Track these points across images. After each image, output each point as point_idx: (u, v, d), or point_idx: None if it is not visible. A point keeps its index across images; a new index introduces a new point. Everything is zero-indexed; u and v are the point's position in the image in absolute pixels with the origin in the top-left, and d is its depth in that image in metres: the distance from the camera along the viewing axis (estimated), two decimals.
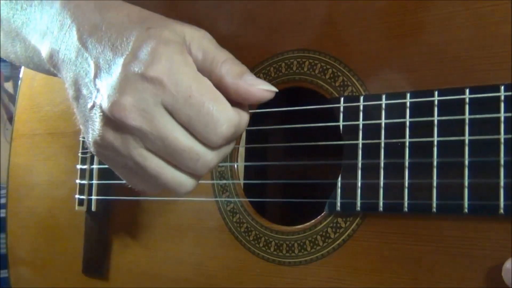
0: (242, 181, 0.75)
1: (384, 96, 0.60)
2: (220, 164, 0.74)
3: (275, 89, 0.55)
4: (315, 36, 0.68)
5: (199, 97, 0.51)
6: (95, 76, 0.53)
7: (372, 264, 0.61)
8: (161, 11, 0.83)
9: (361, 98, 0.62)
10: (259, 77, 0.71)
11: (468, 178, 0.54)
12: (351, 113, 0.62)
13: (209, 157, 0.54)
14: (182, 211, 0.79)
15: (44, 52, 0.60)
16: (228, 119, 0.52)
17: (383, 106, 0.60)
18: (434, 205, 0.56)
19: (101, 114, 0.53)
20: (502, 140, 0.53)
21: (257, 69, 0.72)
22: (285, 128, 0.72)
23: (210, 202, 0.75)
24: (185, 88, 0.51)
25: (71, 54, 0.56)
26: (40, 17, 0.61)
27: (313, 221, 0.66)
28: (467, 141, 0.55)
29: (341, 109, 0.63)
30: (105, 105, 0.52)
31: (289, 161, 0.85)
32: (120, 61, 0.52)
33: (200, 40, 0.54)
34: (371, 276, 0.61)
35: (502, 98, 0.53)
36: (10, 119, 1.43)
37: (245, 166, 0.76)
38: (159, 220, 0.81)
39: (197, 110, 0.51)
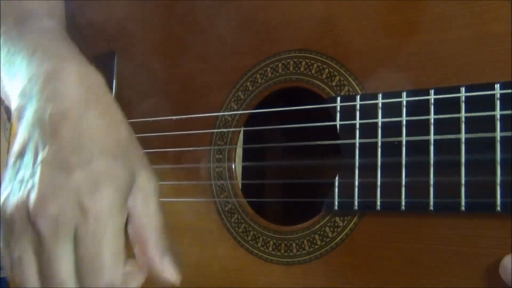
0: (240, 181, 0.75)
1: (380, 95, 0.60)
2: (218, 165, 0.75)
3: (177, 282, 0.55)
4: (311, 36, 0.68)
5: (106, 247, 0.51)
6: (42, 160, 0.52)
7: (370, 263, 0.61)
8: (161, 11, 0.84)
9: (358, 97, 0.62)
10: (255, 78, 0.72)
11: (465, 176, 0.54)
12: (347, 113, 0.63)
13: None
14: (180, 212, 0.79)
15: (14, 106, 0.60)
16: (111, 281, 0.52)
17: (380, 105, 0.60)
18: (431, 203, 0.56)
19: (24, 196, 0.52)
20: (498, 138, 0.53)
21: (254, 69, 0.72)
22: (282, 128, 0.72)
23: (208, 202, 0.75)
24: (101, 234, 0.51)
25: (32, 125, 0.55)
26: (24, 70, 0.61)
27: (311, 220, 0.66)
28: (463, 139, 0.55)
29: (338, 108, 0.63)
30: (32, 200, 0.51)
31: (286, 161, 0.85)
32: (71, 166, 0.52)
33: (146, 194, 0.55)
34: (369, 275, 0.61)
35: (498, 96, 0.53)
36: (10, 119, 1.43)
37: (243, 166, 0.76)
38: None
39: (95, 255, 0.51)
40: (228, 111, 0.74)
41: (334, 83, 0.65)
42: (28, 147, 0.54)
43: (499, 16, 0.56)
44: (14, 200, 0.52)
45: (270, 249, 0.69)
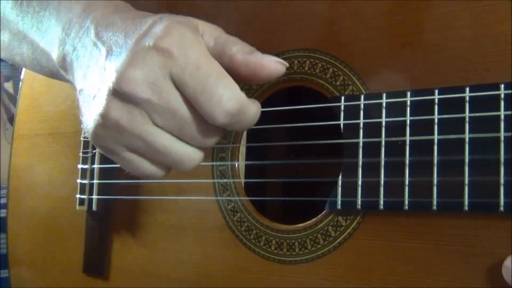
0: (243, 180, 0.75)
1: (384, 95, 0.61)
2: (221, 163, 0.75)
3: (286, 63, 0.55)
4: (315, 35, 0.68)
5: (206, 71, 0.52)
6: (106, 60, 0.54)
7: (373, 263, 0.61)
8: (162, 11, 0.84)
9: (362, 97, 0.62)
10: None
11: (468, 176, 0.54)
12: (351, 112, 0.63)
13: (215, 130, 0.54)
14: (182, 210, 0.79)
15: (56, 54, 0.60)
16: (232, 97, 0.52)
17: (384, 104, 0.60)
18: (435, 203, 0.56)
19: (108, 90, 0.53)
20: (502, 138, 0.53)
21: None
22: (286, 127, 0.72)
23: (210, 201, 0.75)
24: (193, 62, 0.51)
25: (85, 51, 0.57)
26: (55, 20, 0.61)
27: (313, 219, 0.66)
28: (467, 139, 0.55)
29: (342, 108, 0.63)
30: (113, 79, 0.52)
31: (290, 160, 0.85)
32: (131, 41, 0.53)
33: (212, 31, 0.56)
34: (372, 274, 0.61)
35: (502, 96, 0.54)
36: (10, 119, 1.43)
37: (246, 165, 0.76)
38: (159, 219, 0.81)
39: (203, 84, 0.51)
40: None
41: (338, 83, 0.65)
42: (90, 72, 0.56)
43: (503, 16, 0.56)
44: (104, 102, 0.53)
45: (273, 248, 0.69)
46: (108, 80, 0.52)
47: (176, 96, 0.52)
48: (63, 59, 0.59)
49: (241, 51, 0.55)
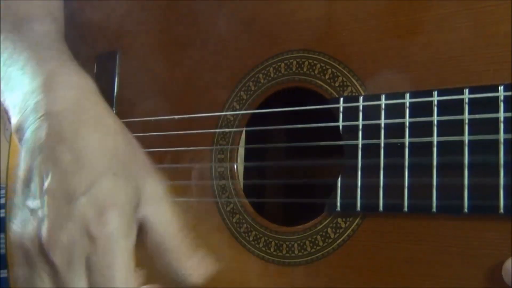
0: (241, 182, 0.75)
1: (383, 96, 0.60)
2: (220, 165, 0.74)
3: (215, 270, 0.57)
4: (314, 36, 0.68)
5: (114, 274, 0.51)
6: (47, 189, 0.53)
7: (372, 264, 0.61)
8: (161, 12, 0.83)
9: (361, 98, 0.62)
10: (258, 77, 0.72)
11: (468, 178, 0.54)
12: (350, 113, 0.62)
13: None
14: (181, 212, 0.78)
15: (13, 124, 0.60)
16: None
17: (383, 106, 0.60)
18: (434, 205, 0.56)
19: (35, 227, 0.52)
20: (502, 140, 0.53)
21: (257, 69, 0.72)
22: (284, 129, 0.72)
23: (209, 202, 0.75)
24: (109, 262, 0.51)
25: (33, 150, 0.56)
26: (19, 86, 0.61)
27: (313, 221, 0.66)
28: (466, 141, 0.55)
29: (341, 109, 0.63)
30: (44, 232, 0.52)
31: (289, 162, 0.85)
32: (74, 193, 0.52)
33: (154, 205, 0.55)
34: (371, 276, 0.61)
35: (502, 98, 0.53)
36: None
37: (245, 166, 0.76)
38: None
39: (107, 281, 0.51)
40: (230, 111, 0.74)
41: (337, 84, 0.65)
42: (33, 175, 0.55)
43: (502, 17, 0.56)
44: (28, 231, 0.53)
45: (272, 249, 0.69)
46: (39, 220, 0.52)
47: (80, 276, 0.52)
48: (18, 131, 0.59)
49: (180, 257, 0.55)
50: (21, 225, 0.54)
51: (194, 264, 0.56)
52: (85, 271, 0.52)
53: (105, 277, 0.51)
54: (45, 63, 0.62)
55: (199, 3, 0.78)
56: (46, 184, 0.53)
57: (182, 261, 0.55)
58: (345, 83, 0.64)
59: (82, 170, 0.53)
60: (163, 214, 0.56)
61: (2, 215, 1.09)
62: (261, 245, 0.70)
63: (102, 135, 0.56)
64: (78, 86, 0.60)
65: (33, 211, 0.53)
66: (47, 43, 0.67)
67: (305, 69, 0.68)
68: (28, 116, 0.58)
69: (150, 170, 0.57)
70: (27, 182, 0.55)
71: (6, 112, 0.65)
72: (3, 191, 1.11)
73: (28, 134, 0.57)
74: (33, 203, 0.54)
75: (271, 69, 0.71)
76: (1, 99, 0.65)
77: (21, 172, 0.56)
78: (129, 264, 0.53)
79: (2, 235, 1.09)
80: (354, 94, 0.63)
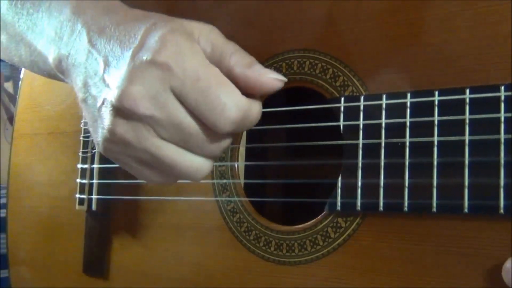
0: (242, 181, 0.75)
1: (384, 96, 0.60)
2: (221, 164, 0.75)
3: (284, 79, 0.55)
4: (315, 36, 0.68)
5: (206, 81, 0.51)
6: (104, 72, 0.54)
7: (372, 264, 0.61)
8: (161, 11, 0.83)
9: (362, 98, 0.62)
10: None
11: (468, 178, 0.54)
12: (351, 113, 0.63)
13: (221, 138, 0.54)
14: (182, 211, 0.79)
15: (51, 57, 0.60)
16: (236, 104, 0.52)
17: (384, 106, 0.60)
18: (434, 204, 0.56)
19: (111, 107, 0.53)
20: (502, 140, 0.53)
21: None
22: (285, 128, 0.72)
23: (210, 201, 0.75)
24: (192, 73, 0.51)
25: (81, 57, 0.56)
26: (47, 23, 0.61)
27: (313, 220, 0.66)
28: (467, 141, 0.55)
29: (342, 109, 0.63)
30: (115, 96, 0.52)
31: (289, 161, 0.85)
32: (128, 54, 0.52)
33: (208, 34, 0.55)
34: (371, 275, 0.61)
35: (503, 98, 0.53)
36: (10, 119, 1.43)
37: (246, 166, 0.76)
38: (159, 219, 0.81)
39: (204, 94, 0.51)
40: None
41: (338, 84, 0.65)
42: (88, 82, 0.55)
43: (502, 17, 0.56)
44: (107, 122, 0.54)
45: (272, 249, 0.69)
46: (109, 96, 0.52)
47: (178, 109, 0.52)
48: (59, 63, 0.59)
49: (240, 64, 0.54)
50: (100, 129, 0.54)
51: (257, 69, 0.55)
52: (179, 103, 0.52)
53: (199, 91, 0.51)
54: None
55: (200, 3, 0.78)
56: (103, 75, 0.53)
57: (247, 65, 0.55)
58: (346, 83, 0.64)
59: (127, 36, 0.53)
60: (218, 37, 0.56)
61: (3, 215, 1.09)
62: (261, 244, 0.70)
63: (145, 19, 0.56)
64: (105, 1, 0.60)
65: (101, 107, 0.54)
66: None
67: (306, 69, 0.68)
68: (66, 44, 0.58)
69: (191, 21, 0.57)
70: (86, 95, 0.56)
71: (40, 60, 0.65)
72: (3, 191, 1.12)
73: (71, 59, 0.57)
74: (99, 98, 0.54)
75: (272, 68, 0.71)
76: (30, 49, 0.65)
77: (79, 94, 0.57)
78: (213, 69, 0.52)
79: (3, 235, 1.09)
80: (355, 94, 0.63)
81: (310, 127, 0.66)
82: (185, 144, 0.53)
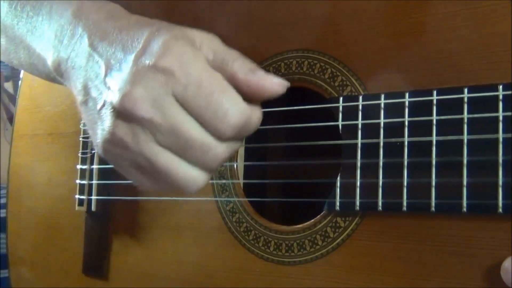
0: (241, 181, 0.75)
1: (383, 96, 0.60)
2: None
3: (287, 83, 0.55)
4: (314, 36, 0.68)
5: (209, 87, 0.51)
6: (106, 75, 0.54)
7: (371, 264, 0.61)
8: (161, 11, 0.84)
9: (360, 97, 0.62)
10: None
11: (467, 177, 0.54)
12: (350, 113, 0.63)
13: (220, 149, 0.53)
14: (182, 211, 0.79)
15: (50, 60, 0.60)
16: (238, 110, 0.52)
17: (382, 105, 0.60)
18: (433, 204, 0.56)
19: (112, 109, 0.53)
20: (501, 139, 0.53)
21: None
22: (284, 128, 0.72)
23: (209, 202, 0.75)
24: (195, 79, 0.51)
25: (81, 60, 0.56)
26: (48, 26, 0.61)
27: (312, 220, 0.66)
28: (465, 140, 0.55)
29: (340, 108, 0.63)
30: (116, 98, 0.52)
31: (288, 161, 0.85)
32: (131, 57, 0.52)
33: (210, 42, 0.55)
34: (370, 275, 0.61)
35: (501, 97, 0.53)
36: (10, 119, 1.43)
37: (245, 166, 0.76)
38: (159, 220, 0.81)
39: (207, 100, 0.51)
40: None
41: (336, 83, 0.65)
42: (89, 85, 0.55)
43: (502, 17, 0.56)
44: (107, 123, 0.53)
45: (271, 249, 0.69)
46: (111, 98, 0.52)
47: (179, 114, 0.52)
48: (58, 66, 0.59)
49: (242, 70, 0.54)
50: (100, 130, 0.54)
51: (259, 75, 0.54)
52: (181, 108, 0.51)
53: (202, 97, 0.51)
54: (67, 2, 0.61)
55: (199, 3, 0.79)
56: (106, 78, 0.53)
57: (248, 73, 0.54)
58: (344, 83, 0.64)
59: (130, 40, 0.53)
60: (219, 44, 0.55)
61: (3, 215, 1.09)
62: (260, 244, 0.70)
63: (148, 25, 0.55)
64: (104, 4, 0.60)
65: (102, 108, 0.54)
66: None
67: (304, 69, 0.68)
68: (66, 47, 0.58)
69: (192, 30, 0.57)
70: (87, 97, 0.55)
71: (39, 62, 0.65)
72: (3, 191, 1.12)
73: (70, 62, 0.57)
74: (100, 100, 0.54)
75: (271, 68, 0.71)
76: (29, 52, 0.65)
77: (79, 97, 0.57)
78: (215, 75, 0.52)
79: (3, 235, 1.09)
80: (353, 94, 0.63)
81: (309, 127, 0.66)
82: (182, 152, 0.53)
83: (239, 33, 0.75)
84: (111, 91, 0.53)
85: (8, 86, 1.49)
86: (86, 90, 0.56)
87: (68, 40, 0.58)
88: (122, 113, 0.52)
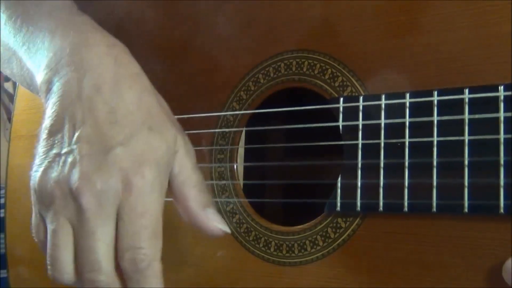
0: (241, 182, 0.75)
1: (383, 96, 0.60)
2: (220, 165, 0.74)
3: (228, 231, 0.58)
4: (314, 36, 0.68)
5: (145, 223, 0.52)
6: (80, 136, 0.53)
7: (372, 264, 0.61)
8: (163, 11, 0.83)
9: (361, 98, 0.62)
10: (258, 78, 0.72)
11: (468, 178, 0.54)
12: (350, 113, 0.62)
13: (103, 277, 0.52)
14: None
15: (40, 77, 0.60)
16: (150, 257, 0.53)
17: (383, 106, 0.60)
18: (434, 205, 0.56)
19: (62, 175, 0.52)
20: (502, 140, 0.53)
21: (256, 69, 0.72)
22: (284, 129, 0.72)
23: None
24: (142, 210, 0.52)
25: (65, 99, 0.56)
26: (47, 46, 0.61)
27: (313, 221, 0.66)
28: (466, 141, 0.55)
29: (341, 109, 0.63)
30: (76, 176, 0.52)
31: (288, 162, 0.85)
32: (111, 142, 0.53)
33: (182, 155, 0.56)
34: (372, 276, 0.61)
35: (502, 98, 0.53)
36: (10, 119, 1.43)
37: (245, 167, 0.76)
38: None
39: (135, 230, 0.52)
40: (230, 111, 0.74)
41: (337, 84, 0.65)
42: (65, 122, 0.54)
43: (502, 17, 0.56)
44: (54, 175, 0.53)
45: (272, 249, 0.69)
46: (69, 165, 0.52)
47: (107, 224, 0.52)
48: (46, 84, 0.59)
49: (195, 201, 0.56)
50: (44, 170, 0.54)
51: (208, 214, 0.57)
52: (113, 220, 0.52)
53: (135, 226, 0.52)
54: (76, 25, 0.61)
55: (199, 3, 0.78)
56: (79, 131, 0.53)
57: (199, 209, 0.56)
58: (345, 83, 0.64)
59: (119, 122, 0.53)
60: (187, 166, 0.57)
61: (1, 215, 1.09)
62: (261, 245, 0.70)
63: (139, 91, 0.56)
64: (113, 44, 0.59)
65: (60, 157, 0.53)
66: (73, 10, 0.67)
67: (304, 69, 0.68)
68: (59, 70, 0.57)
69: (179, 127, 0.58)
70: (56, 129, 0.55)
71: (27, 77, 0.65)
72: (2, 192, 1.11)
73: (58, 85, 0.56)
74: (61, 149, 0.53)
75: (271, 69, 0.71)
76: (21, 65, 0.65)
77: (47, 120, 0.56)
78: (159, 217, 0.53)
79: (1, 235, 1.09)
80: (354, 94, 0.63)
81: (309, 127, 0.66)
82: (79, 251, 0.53)
83: (239, 33, 0.74)
84: (77, 155, 0.52)
85: (8, 86, 1.49)
86: (52, 123, 0.55)
87: (61, 68, 0.58)
88: (70, 187, 0.52)
